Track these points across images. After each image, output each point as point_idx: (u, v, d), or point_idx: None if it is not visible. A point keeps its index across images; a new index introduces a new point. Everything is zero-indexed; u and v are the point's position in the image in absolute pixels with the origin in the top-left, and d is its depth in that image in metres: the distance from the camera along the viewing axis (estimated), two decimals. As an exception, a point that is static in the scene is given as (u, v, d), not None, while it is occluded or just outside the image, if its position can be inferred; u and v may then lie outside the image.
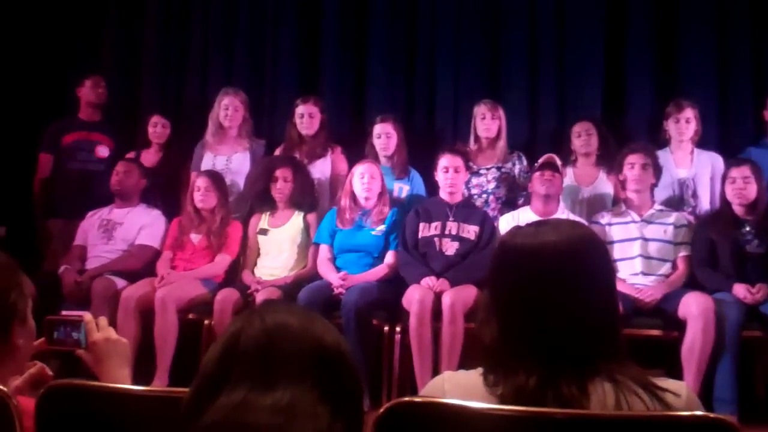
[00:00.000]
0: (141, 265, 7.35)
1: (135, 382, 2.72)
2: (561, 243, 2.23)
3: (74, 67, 8.94)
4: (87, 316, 2.73)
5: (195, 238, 7.30)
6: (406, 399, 2.14)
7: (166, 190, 8.04)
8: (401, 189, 7.52)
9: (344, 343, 1.96)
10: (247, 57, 8.76)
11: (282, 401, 1.73)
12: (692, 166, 7.20)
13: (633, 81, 7.89)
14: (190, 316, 6.96)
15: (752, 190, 6.56)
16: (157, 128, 8.15)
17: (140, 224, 7.51)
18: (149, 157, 8.13)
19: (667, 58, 7.84)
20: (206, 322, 6.80)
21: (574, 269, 2.21)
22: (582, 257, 2.24)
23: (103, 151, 8.21)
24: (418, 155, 7.71)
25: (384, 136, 7.47)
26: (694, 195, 7.15)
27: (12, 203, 7.90)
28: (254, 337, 1.83)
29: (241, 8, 8.81)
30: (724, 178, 6.73)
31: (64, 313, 2.81)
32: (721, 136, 7.58)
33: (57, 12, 9.09)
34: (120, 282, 7.05)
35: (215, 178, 7.39)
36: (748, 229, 6.53)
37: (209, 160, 7.80)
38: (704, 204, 7.14)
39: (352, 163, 7.35)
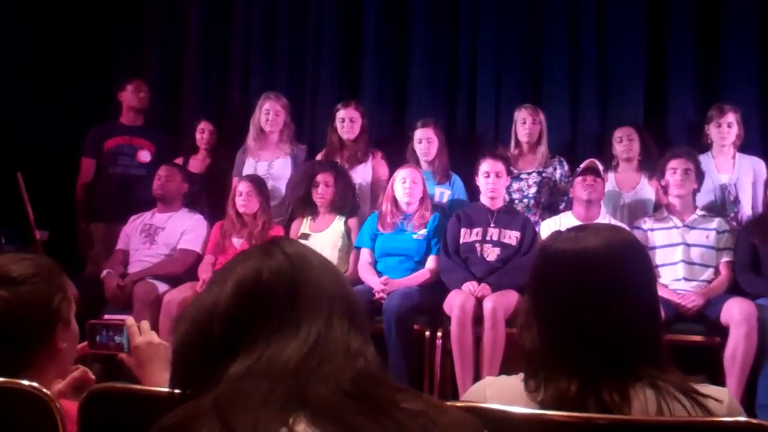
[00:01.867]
0: (183, 269, 7.38)
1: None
2: (602, 248, 2.23)
3: (116, 71, 9.01)
4: (129, 319, 2.74)
5: (237, 242, 7.32)
6: (448, 404, 2.14)
7: (213, 195, 8.08)
8: (442, 194, 7.51)
9: None
10: (288, 61, 8.79)
11: (311, 338, 1.63)
12: (734, 171, 7.15)
13: (675, 85, 7.84)
14: (231, 320, 6.95)
15: (795, 196, 6.53)
16: (205, 134, 8.20)
17: (182, 228, 7.55)
18: (197, 163, 8.20)
19: (709, 62, 7.79)
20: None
21: (615, 274, 2.21)
22: (623, 262, 2.24)
23: (144, 156, 8.26)
24: (459, 160, 7.70)
25: (425, 140, 7.46)
26: (736, 200, 7.09)
27: (54, 207, 7.94)
28: (279, 270, 1.73)
29: (283, 13, 8.83)
30: (766, 183, 6.69)
31: (106, 317, 2.83)
32: (763, 141, 7.52)
33: (99, 16, 9.17)
34: (162, 286, 7.08)
35: (257, 182, 7.41)
36: (791, 234, 6.50)
37: (251, 166, 7.82)
38: (746, 209, 7.08)
39: (392, 168, 7.35)
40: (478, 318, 6.32)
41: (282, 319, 1.66)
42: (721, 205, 7.09)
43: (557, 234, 2.37)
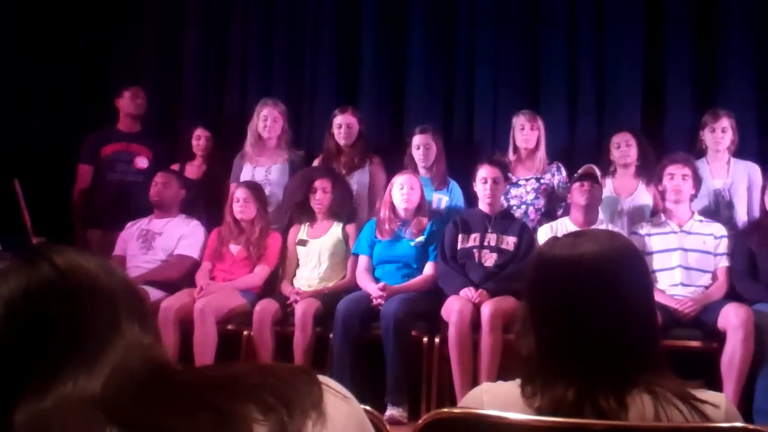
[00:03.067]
0: (180, 275, 7.39)
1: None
2: (599, 254, 2.23)
3: (114, 78, 9.02)
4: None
5: (234, 248, 7.33)
6: (445, 410, 2.15)
7: (210, 201, 8.07)
8: (440, 200, 7.51)
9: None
10: (285, 68, 8.80)
11: (105, 359, 1.40)
12: (728, 177, 7.16)
13: (672, 91, 7.85)
14: (229, 326, 6.96)
15: (792, 201, 6.54)
16: (201, 140, 8.21)
17: (179, 234, 7.55)
18: (193, 170, 8.21)
19: (706, 68, 7.80)
20: (245, 333, 6.84)
21: (612, 280, 2.21)
22: (620, 268, 2.24)
23: (142, 163, 8.26)
24: (457, 166, 7.71)
25: (423, 147, 7.46)
26: (730, 205, 7.10)
27: (52, 214, 7.93)
28: (48, 282, 1.45)
29: (280, 19, 8.85)
30: (763, 188, 6.72)
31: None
32: (760, 146, 7.53)
33: (96, 23, 9.18)
34: (156, 293, 7.07)
35: (254, 189, 7.41)
36: (788, 239, 6.51)
37: (248, 171, 7.82)
38: (740, 214, 7.09)
39: (390, 174, 7.36)
40: (475, 324, 6.33)
41: (65, 344, 1.41)
42: (715, 211, 7.09)
43: (554, 240, 2.37)
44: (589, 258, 2.22)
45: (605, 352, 2.14)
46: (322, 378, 1.49)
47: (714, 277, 6.64)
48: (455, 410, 2.19)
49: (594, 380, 2.11)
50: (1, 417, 1.36)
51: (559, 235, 2.43)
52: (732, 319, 6.05)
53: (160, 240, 7.54)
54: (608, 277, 2.22)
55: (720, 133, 7.16)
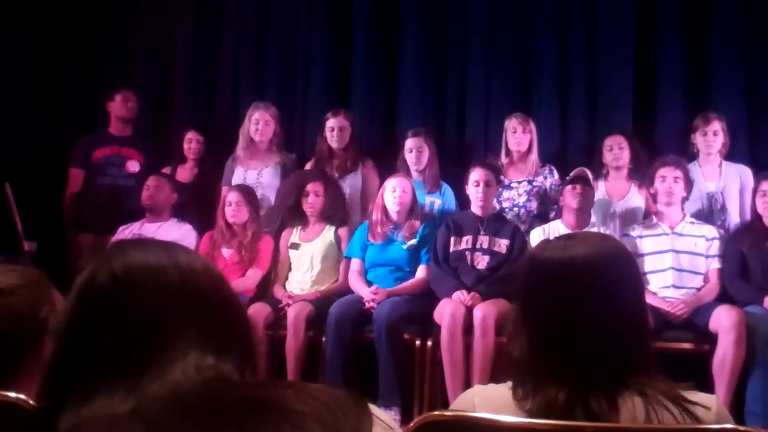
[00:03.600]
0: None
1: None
2: (590, 256, 2.23)
3: (105, 81, 9.01)
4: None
5: (226, 252, 7.32)
6: (437, 413, 2.15)
7: (201, 205, 8.06)
8: (433, 203, 7.52)
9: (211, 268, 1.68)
10: (278, 71, 8.80)
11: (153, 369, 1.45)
12: (720, 179, 7.17)
13: (663, 94, 7.86)
14: (222, 330, 6.94)
15: (783, 203, 6.55)
16: (192, 144, 8.21)
17: (171, 239, 7.49)
18: (185, 173, 8.20)
19: (698, 71, 7.80)
20: (238, 336, 6.81)
21: (604, 283, 2.22)
22: (611, 271, 2.24)
23: (133, 166, 8.25)
24: (449, 169, 7.72)
25: (416, 150, 7.47)
26: (723, 208, 7.11)
27: (43, 218, 7.92)
28: (103, 290, 1.53)
29: (272, 22, 8.86)
30: (754, 191, 6.73)
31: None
32: (751, 149, 7.54)
33: (87, 26, 9.16)
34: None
35: (246, 192, 7.41)
36: (779, 242, 6.52)
37: (240, 175, 7.82)
38: (733, 217, 7.11)
39: (383, 177, 7.36)
40: (468, 327, 6.33)
41: (111, 354, 1.48)
42: (708, 214, 7.10)
43: (546, 243, 2.37)
44: (581, 261, 2.23)
45: (597, 354, 2.15)
46: (372, 408, 1.47)
47: (705, 279, 6.64)
48: (447, 413, 2.19)
49: (585, 382, 2.11)
50: (47, 423, 1.43)
51: (551, 237, 2.43)
52: (723, 321, 6.06)
53: (152, 244, 7.50)
54: (600, 279, 2.23)
55: (712, 137, 7.18)
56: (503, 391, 2.22)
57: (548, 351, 2.19)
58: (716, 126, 7.17)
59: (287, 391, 1.42)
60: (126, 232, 7.61)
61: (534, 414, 2.11)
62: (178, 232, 7.56)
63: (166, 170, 8.10)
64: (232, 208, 7.31)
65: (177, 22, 9.15)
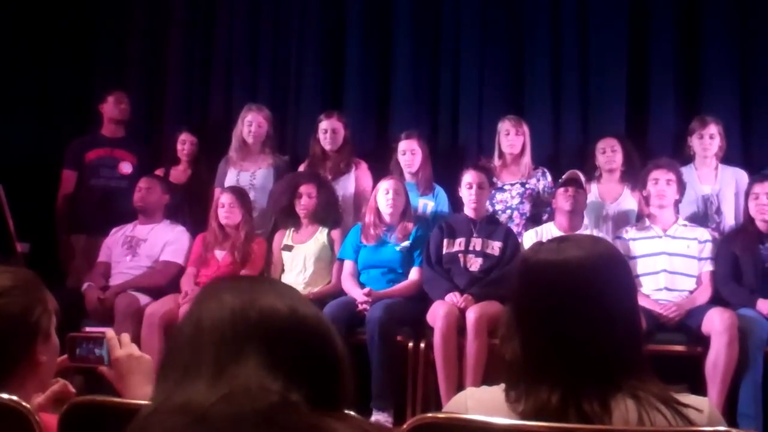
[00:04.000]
0: (165, 281, 7.36)
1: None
2: (583, 259, 2.23)
3: (98, 82, 9.00)
4: (109, 332, 2.72)
5: (219, 254, 7.31)
6: (430, 415, 2.15)
7: (194, 206, 8.05)
8: (426, 205, 7.52)
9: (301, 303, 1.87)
10: (271, 73, 8.80)
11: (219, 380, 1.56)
12: (716, 182, 7.18)
13: (656, 97, 7.87)
14: (214, 332, 6.93)
15: (776, 206, 6.55)
16: (185, 145, 8.18)
17: (164, 240, 7.53)
18: (178, 175, 8.19)
19: (690, 74, 7.82)
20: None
21: (596, 285, 2.22)
22: (604, 273, 2.24)
23: (126, 168, 8.24)
24: (442, 171, 7.72)
25: (409, 152, 7.47)
26: (718, 211, 7.12)
27: (36, 220, 7.90)
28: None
29: (265, 24, 8.86)
30: (747, 194, 6.71)
31: (87, 329, 2.81)
32: (744, 152, 7.55)
33: (80, 27, 9.15)
34: (143, 298, 7.07)
35: (239, 194, 7.40)
36: (772, 245, 6.52)
37: (233, 177, 7.82)
38: (729, 220, 7.10)
39: (376, 179, 7.35)
40: (461, 329, 6.32)
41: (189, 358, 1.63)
42: (704, 216, 7.11)
43: (539, 245, 2.37)
44: (574, 263, 2.23)
45: (589, 356, 2.15)
46: None
47: (698, 282, 6.64)
48: (440, 415, 2.19)
49: (578, 385, 2.11)
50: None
51: (544, 240, 2.44)
52: (716, 323, 6.06)
53: (145, 246, 7.51)
54: (592, 282, 2.23)
55: (708, 140, 7.18)
56: (496, 393, 2.22)
57: (541, 353, 2.19)
58: (713, 129, 7.17)
59: (341, 423, 1.53)
60: (119, 233, 7.61)
61: (527, 416, 2.11)
62: (171, 234, 7.56)
63: (160, 172, 8.08)
64: (224, 209, 7.29)
65: (170, 22, 9.14)
